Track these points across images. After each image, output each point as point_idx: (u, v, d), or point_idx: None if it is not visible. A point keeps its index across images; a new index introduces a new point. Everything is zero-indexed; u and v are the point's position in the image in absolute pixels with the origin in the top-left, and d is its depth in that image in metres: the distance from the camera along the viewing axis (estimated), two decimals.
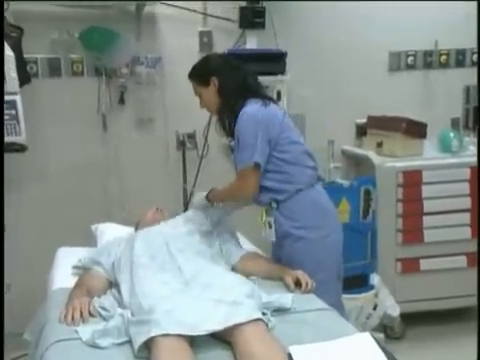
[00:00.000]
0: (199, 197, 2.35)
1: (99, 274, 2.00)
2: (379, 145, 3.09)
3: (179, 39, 3.10)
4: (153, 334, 1.48)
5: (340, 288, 2.23)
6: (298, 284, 1.93)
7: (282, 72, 3.08)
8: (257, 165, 2.05)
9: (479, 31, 2.72)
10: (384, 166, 2.93)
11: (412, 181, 2.92)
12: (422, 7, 3.27)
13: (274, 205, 2.13)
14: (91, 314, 1.73)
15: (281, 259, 2.16)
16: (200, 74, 2.21)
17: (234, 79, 2.17)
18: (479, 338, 1.88)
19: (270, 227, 2.16)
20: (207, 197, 2.29)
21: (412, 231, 2.94)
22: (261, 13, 3.09)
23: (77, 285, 1.94)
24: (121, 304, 1.80)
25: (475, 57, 3.47)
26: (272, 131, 2.07)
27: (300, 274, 1.96)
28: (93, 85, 3.03)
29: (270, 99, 2.20)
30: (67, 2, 2.83)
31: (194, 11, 3.09)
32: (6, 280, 2.67)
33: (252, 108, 2.09)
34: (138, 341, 1.51)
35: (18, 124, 2.50)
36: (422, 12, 3.28)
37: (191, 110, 3.12)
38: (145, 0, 2.92)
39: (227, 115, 2.17)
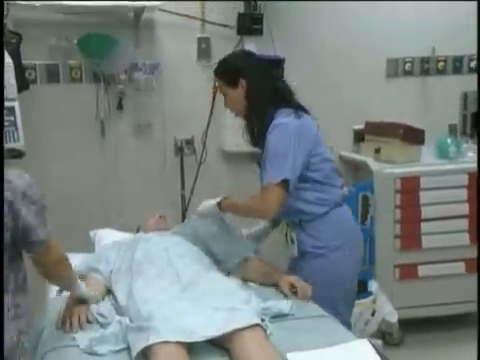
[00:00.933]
0: (209, 204, 2.16)
1: (97, 280, 1.98)
2: (377, 151, 3.09)
3: (177, 45, 3.11)
4: (151, 341, 1.48)
5: (352, 308, 2.16)
6: (294, 289, 1.92)
7: (280, 78, 3.07)
8: (285, 182, 1.89)
9: (479, 32, 2.72)
10: (382, 172, 2.94)
11: (410, 187, 2.92)
12: (420, 13, 3.30)
13: (297, 221, 2.05)
14: (89, 321, 1.72)
15: (296, 274, 2.04)
16: (227, 73, 2.05)
17: (265, 84, 2.02)
18: (479, 344, 1.87)
19: (293, 242, 2.07)
20: (219, 205, 2.12)
21: (410, 237, 2.94)
22: (259, 19, 3.11)
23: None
24: (119, 311, 1.79)
25: (473, 64, 3.48)
26: (306, 146, 1.93)
27: (294, 280, 1.95)
28: (91, 91, 3.03)
29: (302, 109, 2.04)
30: (66, 8, 2.83)
31: (192, 17, 3.10)
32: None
33: (285, 119, 1.94)
34: (136, 348, 1.50)
35: (16, 130, 2.51)
36: (420, 19, 3.30)
37: (189, 116, 3.17)
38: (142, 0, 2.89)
39: (255, 123, 2.03)
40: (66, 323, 1.70)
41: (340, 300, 2.04)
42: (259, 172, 2.06)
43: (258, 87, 2.00)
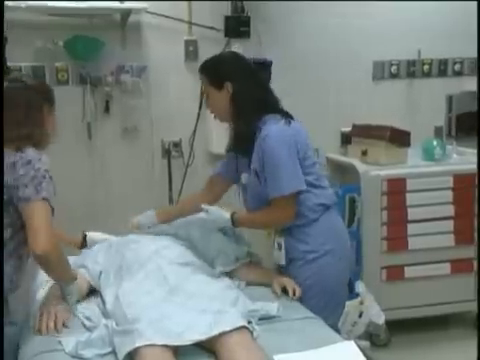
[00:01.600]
0: (221, 218, 2.05)
1: (81, 276, 1.92)
2: (364, 153, 3.11)
3: (164, 48, 3.11)
4: (137, 344, 1.48)
5: (341, 312, 2.15)
6: (286, 291, 1.94)
7: (267, 81, 3.09)
8: (298, 192, 1.91)
9: (479, 32, 2.73)
10: (369, 174, 2.95)
11: (396, 189, 2.94)
12: (405, 16, 3.33)
13: (286, 227, 2.02)
14: (65, 325, 1.69)
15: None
16: (214, 73, 1.98)
17: (252, 90, 1.95)
18: (479, 344, 1.89)
19: (280, 249, 2.04)
20: (232, 220, 2.02)
21: (396, 239, 2.95)
22: (246, 22, 3.12)
23: (54, 289, 1.85)
24: (106, 315, 1.78)
25: (457, 66, 3.53)
26: (300, 152, 1.92)
27: (286, 281, 1.96)
28: (78, 94, 3.02)
29: (288, 115, 2.00)
30: (52, 10, 2.82)
31: (179, 20, 3.10)
32: None
33: (276, 128, 1.90)
34: (122, 351, 1.50)
35: None
36: (405, 21, 3.33)
37: (177, 118, 3.17)
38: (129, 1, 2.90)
39: (240, 129, 1.97)
40: (43, 326, 1.68)
41: (330, 304, 2.04)
42: (245, 182, 2.04)
43: (245, 93, 1.94)
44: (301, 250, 2.00)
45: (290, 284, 1.94)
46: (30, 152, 1.66)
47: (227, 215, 2.03)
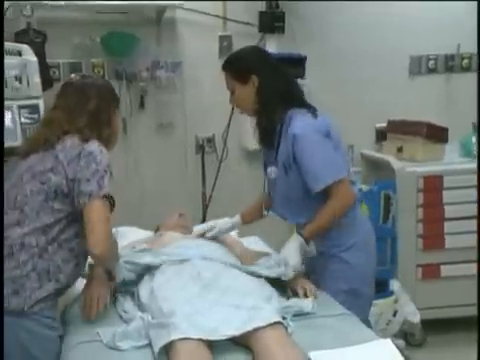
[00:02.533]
0: (294, 247, 1.93)
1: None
2: (399, 150, 3.07)
3: (199, 44, 3.12)
4: (173, 338, 1.49)
5: (367, 310, 2.12)
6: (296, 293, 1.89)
7: (301, 76, 3.07)
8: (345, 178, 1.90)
9: (479, 32, 2.69)
10: (404, 171, 2.91)
11: (433, 186, 2.89)
12: (444, 10, 3.25)
13: (309, 221, 1.97)
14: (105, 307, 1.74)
15: (311, 276, 2.04)
16: (239, 69, 1.97)
17: (278, 83, 1.95)
18: (479, 344, 1.88)
19: (307, 244, 1.97)
20: (303, 236, 1.94)
21: (433, 237, 2.90)
22: (281, 17, 3.10)
23: (95, 272, 1.86)
24: (140, 307, 1.81)
25: None
26: (333, 141, 1.92)
27: (300, 282, 1.91)
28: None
29: (313, 108, 1.99)
30: (89, 8, 2.86)
31: (214, 16, 3.11)
32: None
33: (304, 121, 1.90)
34: (158, 344, 1.51)
35: None
36: (444, 15, 3.25)
37: (210, 114, 3.18)
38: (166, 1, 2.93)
39: (265, 122, 1.96)
40: (85, 308, 1.71)
41: (359, 298, 2.01)
42: (273, 177, 2.02)
43: (270, 85, 1.94)
44: (326, 244, 1.99)
45: (302, 285, 1.90)
46: (93, 144, 1.66)
47: (298, 241, 1.93)
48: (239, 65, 1.99)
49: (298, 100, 1.99)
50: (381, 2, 3.20)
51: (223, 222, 2.26)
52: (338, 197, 1.91)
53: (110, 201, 1.66)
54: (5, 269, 1.57)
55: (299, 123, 1.90)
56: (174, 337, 1.49)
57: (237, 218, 2.22)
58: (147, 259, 1.95)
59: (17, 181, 1.68)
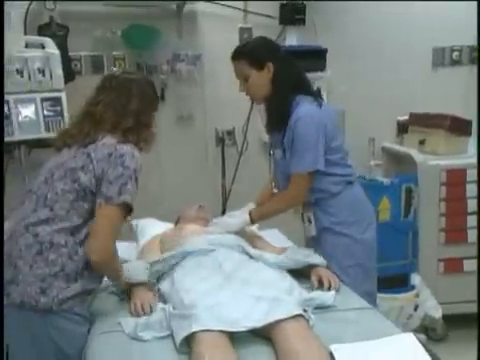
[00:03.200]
0: (237, 222, 2.17)
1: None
2: (421, 143, 3.03)
3: (219, 36, 3.11)
4: (194, 329, 1.50)
5: (375, 283, 2.20)
6: (321, 283, 1.90)
7: (322, 69, 3.05)
8: (316, 172, 2.01)
9: (479, 31, 2.68)
10: (427, 164, 2.87)
11: (456, 180, 2.85)
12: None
13: (313, 200, 2.12)
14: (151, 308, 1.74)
15: (316, 251, 2.11)
16: (255, 55, 2.04)
17: (291, 71, 2.05)
18: (479, 344, 1.89)
19: (310, 222, 2.14)
20: (250, 218, 2.16)
21: (455, 231, 2.87)
22: (301, 9, 3.07)
23: None
24: (162, 299, 1.82)
25: None
26: (328, 133, 2.02)
27: (324, 272, 1.93)
28: None
29: (319, 95, 2.13)
30: (111, 2, 2.87)
31: (235, 8, 3.10)
32: None
33: (309, 109, 2.01)
34: (180, 335, 1.52)
35: (62, 120, 2.56)
36: (468, 5, 3.19)
37: (230, 107, 3.17)
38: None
39: (278, 108, 2.05)
40: (138, 309, 1.73)
41: (362, 272, 2.07)
42: (278, 158, 2.11)
43: (285, 73, 2.03)
44: (329, 221, 2.09)
45: (326, 275, 1.92)
46: (127, 147, 1.64)
47: (243, 218, 2.16)
48: (256, 52, 2.05)
49: (306, 87, 2.10)
50: None
51: (231, 223, 2.23)
52: (293, 189, 2.06)
53: (127, 208, 1.63)
54: (34, 267, 1.58)
55: (303, 109, 2.00)
56: (195, 329, 1.50)
57: (246, 218, 2.18)
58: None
59: (48, 177, 1.67)
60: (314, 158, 1.99)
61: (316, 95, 2.10)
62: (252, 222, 2.18)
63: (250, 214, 2.16)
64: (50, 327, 1.58)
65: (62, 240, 1.60)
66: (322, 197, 2.09)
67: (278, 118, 2.06)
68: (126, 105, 1.72)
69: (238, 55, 2.07)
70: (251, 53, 2.05)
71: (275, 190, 2.29)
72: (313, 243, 2.17)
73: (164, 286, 1.87)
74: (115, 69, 1.89)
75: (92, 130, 1.68)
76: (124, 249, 2.37)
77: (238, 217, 2.19)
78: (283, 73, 2.03)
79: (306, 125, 1.98)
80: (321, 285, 1.88)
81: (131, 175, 1.61)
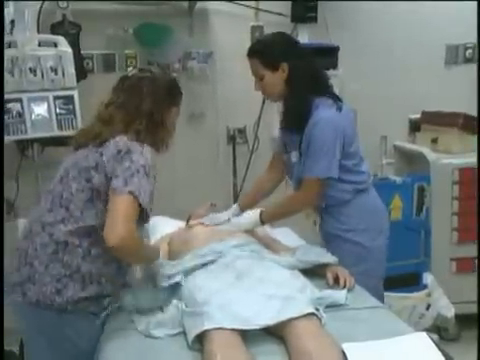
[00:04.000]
0: (248, 221, 2.15)
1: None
2: (434, 141, 3.02)
3: (231, 34, 3.11)
4: (206, 327, 1.50)
5: (382, 290, 2.18)
6: (337, 280, 1.89)
7: (334, 67, 3.03)
8: (330, 179, 1.98)
9: (479, 31, 2.67)
10: (439, 163, 2.86)
11: (469, 178, 2.83)
12: None
13: (323, 205, 2.10)
14: None
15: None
16: (268, 56, 1.98)
17: (307, 71, 1.99)
18: (479, 344, 1.90)
19: (315, 224, 2.14)
20: (261, 219, 2.13)
21: (468, 230, 2.84)
22: (313, 7, 3.05)
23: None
24: (173, 296, 1.82)
25: None
26: (346, 139, 1.98)
27: (340, 270, 1.92)
28: None
29: (338, 98, 2.05)
30: (123, 0, 2.88)
31: (246, 6, 3.09)
32: None
33: (329, 113, 1.96)
34: (192, 333, 1.52)
35: (75, 118, 2.57)
36: None
37: (242, 105, 3.17)
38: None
39: (294, 108, 2.00)
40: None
41: (373, 279, 2.07)
42: (292, 161, 2.08)
43: (301, 73, 1.97)
44: (339, 228, 2.08)
45: (342, 274, 1.90)
46: (136, 144, 1.63)
47: (254, 217, 2.13)
48: (269, 52, 1.99)
49: (325, 88, 2.04)
50: None
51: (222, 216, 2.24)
52: (305, 193, 2.03)
53: (140, 204, 1.58)
54: (50, 266, 1.59)
55: (322, 113, 1.95)
56: (208, 326, 1.50)
57: (257, 218, 2.16)
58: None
59: (64, 176, 1.68)
60: (328, 165, 1.95)
61: (336, 98, 2.03)
62: (262, 223, 2.15)
63: (261, 215, 2.13)
64: (66, 325, 1.59)
65: (77, 241, 1.60)
66: (333, 204, 2.07)
67: (294, 118, 2.02)
68: (138, 106, 1.71)
69: (252, 53, 2.03)
70: (264, 53, 2.00)
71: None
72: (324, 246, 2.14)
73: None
74: (130, 69, 1.87)
75: (105, 131, 1.67)
76: None
77: (249, 218, 2.16)
78: (299, 73, 1.96)
79: (323, 130, 1.93)
80: (336, 283, 1.88)
81: (139, 169, 1.58)
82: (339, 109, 1.98)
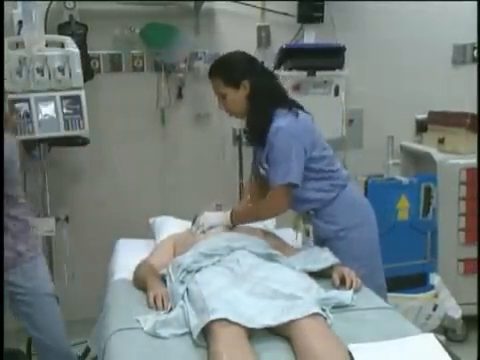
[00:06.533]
0: (218, 219, 2.19)
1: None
2: (441, 141, 3.00)
3: (237, 34, 3.10)
4: (212, 318, 1.49)
5: (383, 280, 2.21)
6: (343, 281, 1.88)
7: (340, 67, 3.03)
8: (291, 185, 2.01)
9: (479, 31, 2.67)
10: (446, 163, 2.85)
11: (476, 179, 2.81)
12: None
13: (312, 212, 2.13)
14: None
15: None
16: (230, 74, 2.05)
17: (267, 85, 2.06)
18: (479, 344, 1.90)
19: (308, 235, 2.17)
20: (231, 220, 2.16)
21: (475, 230, 2.82)
22: (320, 7, 3.06)
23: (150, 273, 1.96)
24: (182, 296, 1.82)
25: None
26: (307, 144, 2.02)
27: (346, 271, 1.91)
28: (152, 80, 3.08)
29: (296, 106, 2.09)
30: (129, 0, 2.89)
31: (252, 6, 3.09)
32: (70, 270, 2.78)
33: (284, 122, 2.00)
34: (197, 327, 1.52)
35: (82, 118, 2.58)
36: None
37: None
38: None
39: (258, 123, 2.05)
40: (158, 303, 1.75)
41: (369, 273, 2.06)
42: (262, 171, 2.11)
43: (261, 88, 2.03)
44: (332, 230, 2.10)
45: (349, 275, 1.89)
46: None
47: (224, 216, 2.17)
48: (231, 71, 2.05)
49: (283, 99, 2.09)
50: None
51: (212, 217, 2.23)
52: (270, 200, 2.07)
53: None
54: None
55: (277, 123, 1.99)
56: (213, 317, 1.49)
57: (227, 217, 2.18)
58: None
59: None
60: (287, 170, 1.98)
61: (292, 105, 2.07)
62: (232, 223, 2.16)
63: (231, 215, 2.16)
64: None
65: None
66: (319, 207, 2.10)
67: (258, 134, 2.06)
68: None
69: (213, 73, 2.09)
70: (226, 72, 2.05)
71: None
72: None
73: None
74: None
75: None
76: (142, 247, 2.43)
77: (220, 216, 2.19)
78: (260, 90, 2.03)
79: (278, 138, 1.98)
80: (342, 284, 1.87)
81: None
82: (295, 115, 2.02)
